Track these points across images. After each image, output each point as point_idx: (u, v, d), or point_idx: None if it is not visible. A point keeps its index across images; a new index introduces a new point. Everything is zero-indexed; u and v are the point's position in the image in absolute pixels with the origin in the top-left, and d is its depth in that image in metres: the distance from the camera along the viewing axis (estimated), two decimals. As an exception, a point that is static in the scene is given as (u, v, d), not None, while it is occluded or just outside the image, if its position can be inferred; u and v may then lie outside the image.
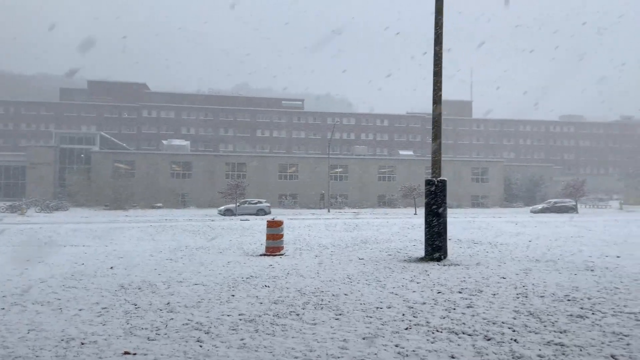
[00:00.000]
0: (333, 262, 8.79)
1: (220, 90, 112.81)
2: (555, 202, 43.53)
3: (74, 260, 9.27)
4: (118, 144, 64.37)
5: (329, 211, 46.40)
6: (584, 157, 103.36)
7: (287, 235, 14.79)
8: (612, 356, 3.53)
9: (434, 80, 9.46)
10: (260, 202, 39.94)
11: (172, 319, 4.77)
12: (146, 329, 4.43)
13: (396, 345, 3.85)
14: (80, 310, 5.16)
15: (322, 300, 5.56)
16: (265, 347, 3.86)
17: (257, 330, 4.32)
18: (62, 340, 4.10)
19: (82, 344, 3.99)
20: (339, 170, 59.24)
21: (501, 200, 61.27)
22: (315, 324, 4.53)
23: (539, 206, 43.61)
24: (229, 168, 56.31)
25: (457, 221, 25.46)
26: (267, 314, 4.92)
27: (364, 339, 4.05)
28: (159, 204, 50.32)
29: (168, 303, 5.45)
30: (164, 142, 64.38)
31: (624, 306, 5.13)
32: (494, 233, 16.37)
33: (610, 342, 3.88)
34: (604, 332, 4.16)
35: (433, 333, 4.18)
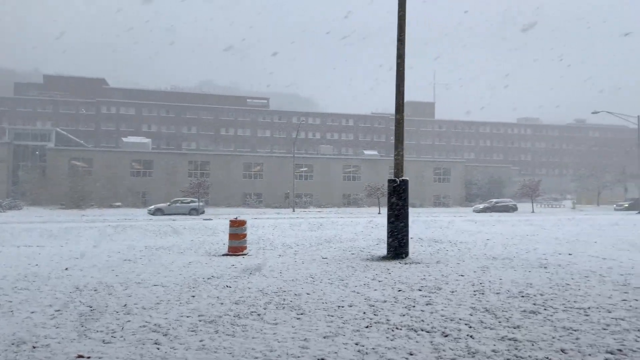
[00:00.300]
0: (296, 262, 8.79)
1: (183, 87, 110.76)
2: (497, 202, 45.19)
3: (28, 261, 8.90)
4: (75, 141, 62.19)
5: (294, 210, 46.40)
6: (540, 159, 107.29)
7: (251, 234, 14.68)
8: (562, 350, 3.67)
9: (396, 90, 9.60)
10: (194, 202, 38.52)
11: (129, 321, 4.65)
12: (101, 331, 4.31)
13: (356, 344, 3.89)
14: (32, 312, 4.96)
15: (284, 300, 5.54)
16: (224, 348, 3.82)
17: (217, 331, 4.27)
18: (12, 344, 3.93)
19: (34, 347, 3.84)
20: (304, 169, 59.29)
21: (462, 200, 62.82)
22: (276, 324, 4.52)
23: (480, 206, 45.20)
24: (192, 167, 55.41)
25: (420, 220, 25.93)
26: (227, 314, 4.87)
27: (324, 337, 4.07)
28: (118, 204, 48.97)
29: (125, 305, 5.32)
30: (124, 139, 62.64)
31: (574, 302, 5.35)
32: (454, 232, 16.76)
33: (560, 336, 4.04)
34: (555, 327, 4.33)
35: (393, 331, 4.24)
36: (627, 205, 46.67)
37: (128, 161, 53.22)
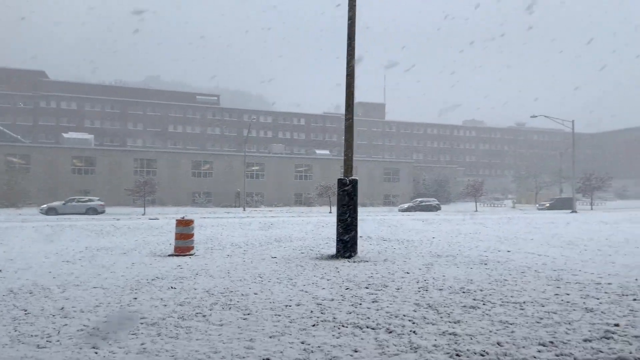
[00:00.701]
0: (245, 262, 8.70)
1: (128, 82, 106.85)
2: (421, 201, 46.70)
3: (-48, 265, 8.30)
4: (11, 136, 58.56)
5: (244, 210, 45.91)
6: (484, 160, 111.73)
7: (199, 234, 14.39)
8: (498, 343, 3.84)
9: (346, 91, 9.70)
10: (92, 200, 36.13)
11: (66, 324, 4.44)
12: (36, 335, 4.09)
13: (302, 342, 3.90)
14: (-44, 319, 4.63)
15: (230, 300, 5.47)
16: (167, 350, 3.72)
17: (159, 334, 4.15)
18: None
19: (-43, 357, 3.59)
20: (256, 168, 58.79)
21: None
22: (222, 325, 4.45)
23: (405, 205, 46.55)
24: (137, 164, 53.58)
25: (369, 219, 26.35)
26: (171, 316, 4.75)
27: (270, 337, 4.05)
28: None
29: (62, 308, 5.07)
30: (65, 135, 59.66)
31: (511, 297, 5.61)
32: (402, 230, 17.15)
33: (497, 330, 4.23)
34: (492, 321, 4.52)
35: (339, 328, 4.28)
36: (548, 205, 49.34)
37: (69, 158, 50.74)
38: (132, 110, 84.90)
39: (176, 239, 9.99)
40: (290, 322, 4.51)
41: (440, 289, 6.06)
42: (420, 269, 7.73)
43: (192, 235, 10.20)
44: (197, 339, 4.00)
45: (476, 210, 45.76)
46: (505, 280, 6.74)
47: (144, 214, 33.95)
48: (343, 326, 4.36)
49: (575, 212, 40.65)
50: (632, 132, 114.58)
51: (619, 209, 49.54)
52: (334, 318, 4.63)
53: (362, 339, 3.99)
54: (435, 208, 45.27)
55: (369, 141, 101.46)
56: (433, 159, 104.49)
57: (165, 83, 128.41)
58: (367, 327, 4.31)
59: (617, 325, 4.35)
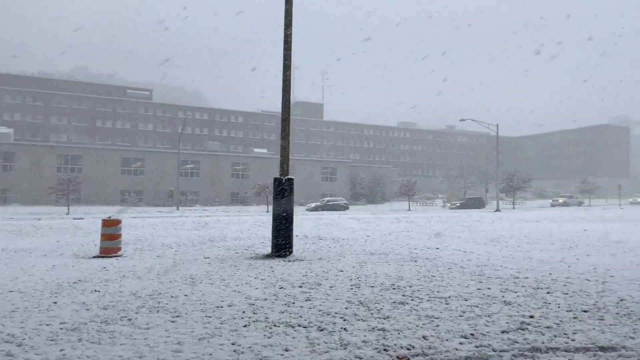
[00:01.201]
0: (176, 262, 8.45)
1: (52, 73, 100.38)
2: (329, 201, 47.34)
3: None
4: None
5: (177, 209, 44.60)
6: (417, 160, 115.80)
7: (128, 234, 13.81)
8: (424, 337, 3.99)
9: (283, 89, 9.68)
10: None
11: (-26, 334, 4.09)
12: (-64, 348, 3.73)
13: (233, 343, 3.84)
14: None
15: (159, 302, 5.29)
16: (88, 356, 3.53)
17: (80, 340, 3.93)
18: None
19: None
20: (190, 166, 57.27)
21: (347, 198, 65.29)
22: (148, 328, 4.29)
23: (313, 204, 46.98)
24: (61, 161, 50.45)
25: (307, 218, 26.49)
26: (94, 321, 4.51)
27: (200, 339, 3.96)
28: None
29: (-31, 316, 4.66)
30: (-21, 128, 55.00)
31: (437, 292, 5.85)
32: (338, 229, 17.39)
33: (423, 324, 4.39)
34: (419, 316, 4.69)
35: (271, 328, 4.26)
36: (459, 204, 51.78)
37: (-17, 153, 46.84)
38: (56, 103, 79.81)
39: (102, 239, 9.51)
40: (221, 324, 4.43)
41: (372, 286, 6.20)
42: (353, 267, 7.87)
43: (120, 235, 9.75)
44: (121, 344, 3.83)
45: (409, 209, 47.34)
46: (433, 276, 7.02)
47: (67, 214, 32.01)
48: (275, 326, 4.34)
49: (499, 210, 43.15)
50: (550, 136, 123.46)
51: (537, 208, 53.20)
52: (266, 318, 4.61)
53: (293, 337, 4.00)
54: (343, 207, 45.63)
55: (306, 141, 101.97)
56: (369, 159, 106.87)
57: (93, 75, 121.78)
58: (299, 326, 4.33)
59: (531, 317, 4.66)
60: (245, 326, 4.34)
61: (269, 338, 3.98)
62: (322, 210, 44.14)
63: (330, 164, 68.08)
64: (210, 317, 4.68)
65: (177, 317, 4.68)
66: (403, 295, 5.62)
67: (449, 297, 5.56)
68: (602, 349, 3.71)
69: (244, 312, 4.86)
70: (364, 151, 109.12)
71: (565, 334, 4.09)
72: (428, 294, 5.70)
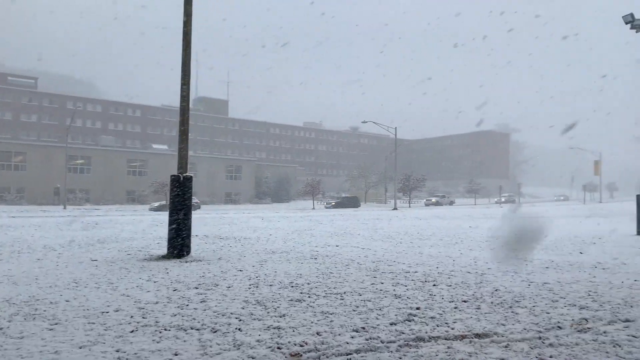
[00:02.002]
0: (59, 266, 7.76)
1: None
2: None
3: None
4: None
5: (65, 208, 41.17)
6: (322, 160, 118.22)
7: (4, 236, 12.48)
8: (318, 333, 4.06)
9: (181, 81, 9.32)
10: None
11: None
12: None
13: (117, 351, 3.61)
14: None
15: (36, 309, 4.82)
16: (-59, 376, 3.11)
17: None
18: None
19: None
20: (80, 161, 53.10)
21: (252, 197, 64.79)
22: (22, 338, 3.89)
23: (156, 204, 43.64)
24: None
25: (209, 217, 25.81)
26: (-48, 334, 3.98)
27: (80, 348, 3.66)
28: None
29: None
30: None
31: (334, 288, 6.00)
32: (240, 228, 17.16)
33: (318, 320, 4.47)
34: (315, 312, 4.77)
35: (160, 332, 4.07)
36: (333, 203, 53.36)
37: None
38: None
39: (-31, 242, 8.44)
40: (106, 330, 4.14)
41: (270, 285, 6.19)
42: (253, 266, 7.81)
43: (-8, 237, 8.73)
44: (-16, 359, 3.42)
45: (313, 208, 48.16)
46: (331, 273, 7.19)
47: None
48: (165, 330, 4.16)
49: (397, 209, 45.52)
50: (443, 140, 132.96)
51: (430, 207, 56.95)
52: (156, 322, 4.40)
53: (184, 341, 3.85)
54: (195, 207, 43.08)
55: (211, 138, 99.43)
56: (275, 157, 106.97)
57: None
58: (192, 329, 4.18)
59: (418, 308, 4.96)
60: (132, 332, 4.10)
61: (157, 343, 3.80)
62: (165, 210, 40.88)
63: (235, 162, 67.01)
64: (93, 323, 4.36)
65: (56, 324, 4.30)
66: (301, 293, 5.69)
67: (345, 292, 5.72)
68: (478, 335, 4.05)
69: (132, 316, 4.59)
70: (269, 150, 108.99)
71: (446, 323, 4.41)
72: (325, 291, 5.82)
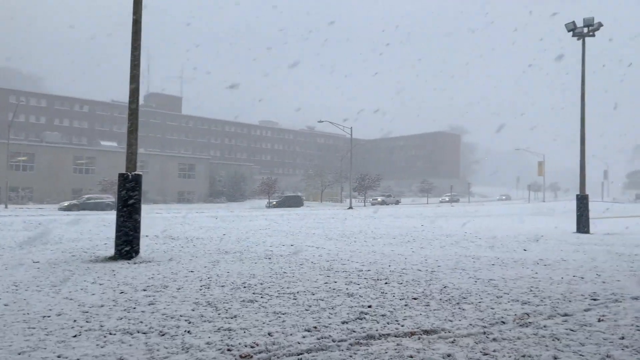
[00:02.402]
0: (-4, 268, 7.32)
1: None
2: (88, 198, 41.65)
3: None
4: None
5: (6, 207, 39.05)
6: (278, 159, 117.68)
7: None
8: (269, 333, 4.04)
9: (130, 75, 9.02)
10: None
11: None
12: None
13: (59, 356, 3.45)
14: None
15: (-31, 316, 4.53)
16: None
17: None
18: None
19: None
20: (23, 158, 50.44)
21: (206, 196, 63.68)
22: (-47, 347, 3.64)
23: (66, 203, 40.70)
24: None
25: (160, 217, 25.12)
26: None
27: (19, 354, 3.48)
28: None
29: None
30: None
31: (287, 288, 5.99)
32: (193, 228, 16.81)
33: (270, 321, 4.44)
34: (267, 312, 4.74)
35: (105, 337, 3.92)
36: (275, 202, 52.11)
37: None
38: None
39: None
40: (47, 335, 3.95)
41: (222, 286, 6.10)
42: (205, 267, 7.66)
43: None
44: None
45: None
46: (285, 272, 7.17)
47: None
48: (110, 334, 4.01)
49: (352, 208, 45.98)
50: (397, 140, 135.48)
51: (376, 206, 57.88)
52: (101, 326, 4.23)
53: (130, 345, 3.73)
54: (108, 206, 40.49)
55: (163, 135, 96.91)
56: (230, 156, 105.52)
57: None
58: (138, 332, 4.06)
59: (369, 306, 5.03)
60: (75, 336, 3.93)
61: (102, 348, 3.66)
62: (79, 209, 37.86)
63: (188, 160, 65.61)
64: (34, 328, 4.14)
65: (-10, 332, 4.05)
66: (253, 293, 5.63)
67: (298, 292, 5.72)
68: (426, 332, 4.15)
69: (75, 320, 4.40)
70: (224, 148, 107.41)
71: (396, 320, 4.49)
72: (278, 291, 5.80)
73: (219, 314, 4.67)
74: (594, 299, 5.43)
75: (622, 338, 3.95)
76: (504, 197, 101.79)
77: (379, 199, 62.91)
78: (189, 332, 4.08)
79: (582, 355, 3.54)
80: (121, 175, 8.80)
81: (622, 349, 3.67)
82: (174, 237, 13.10)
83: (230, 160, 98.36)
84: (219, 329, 4.17)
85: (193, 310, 4.81)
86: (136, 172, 8.92)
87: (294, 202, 52.72)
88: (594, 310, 4.91)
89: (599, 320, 4.50)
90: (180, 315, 4.61)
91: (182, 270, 7.30)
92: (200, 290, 5.84)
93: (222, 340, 3.86)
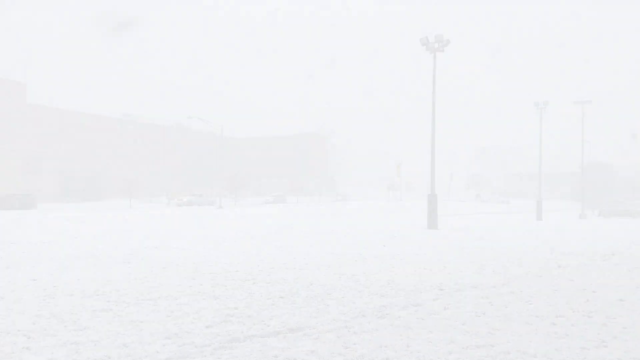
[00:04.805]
0: None
1: None
2: None
3: None
4: None
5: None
6: (141, 155, 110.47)
7: None
8: (124, 344, 3.72)
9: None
10: None
11: None
12: None
13: None
14: None
15: None
16: None
17: None
18: None
19: None
20: None
21: (57, 196, 57.45)
22: None
23: None
24: None
25: (-3, 219, 21.92)
26: None
27: None
28: None
29: None
30: None
31: (147, 294, 5.60)
32: (40, 231, 14.99)
33: (126, 331, 4.11)
34: (122, 322, 4.38)
35: None
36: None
37: None
38: None
39: None
40: None
41: (70, 295, 5.49)
42: (51, 274, 6.84)
43: None
44: None
45: (131, 207, 44.78)
46: (146, 277, 6.71)
47: None
48: None
49: (222, 207, 45.15)
50: (269, 140, 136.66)
51: (253, 205, 57.91)
52: None
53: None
54: None
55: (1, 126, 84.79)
56: (87, 151, 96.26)
57: None
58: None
59: (236, 308, 4.92)
60: None
61: None
62: None
63: (35, 156, 58.42)
64: None
65: None
66: (107, 302, 5.16)
67: (159, 297, 5.39)
68: (291, 330, 4.19)
69: None
70: (80, 143, 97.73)
71: (263, 321, 4.46)
72: (137, 297, 5.39)
73: (65, 327, 4.19)
74: (441, 289, 6.00)
75: (464, 324, 4.41)
76: (340, 198, 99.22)
77: (185, 198, 52.82)
78: (27, 348, 3.58)
79: (431, 342, 3.86)
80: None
81: (464, 334, 4.09)
82: (15, 241, 11.50)
83: (87, 156, 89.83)
84: (64, 343, 3.73)
85: (34, 324, 4.24)
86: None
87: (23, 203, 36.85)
88: (440, 300, 5.42)
89: (445, 309, 4.98)
90: (18, 330, 4.04)
91: (22, 279, 6.42)
92: (44, 300, 5.18)
93: (67, 355, 3.45)
